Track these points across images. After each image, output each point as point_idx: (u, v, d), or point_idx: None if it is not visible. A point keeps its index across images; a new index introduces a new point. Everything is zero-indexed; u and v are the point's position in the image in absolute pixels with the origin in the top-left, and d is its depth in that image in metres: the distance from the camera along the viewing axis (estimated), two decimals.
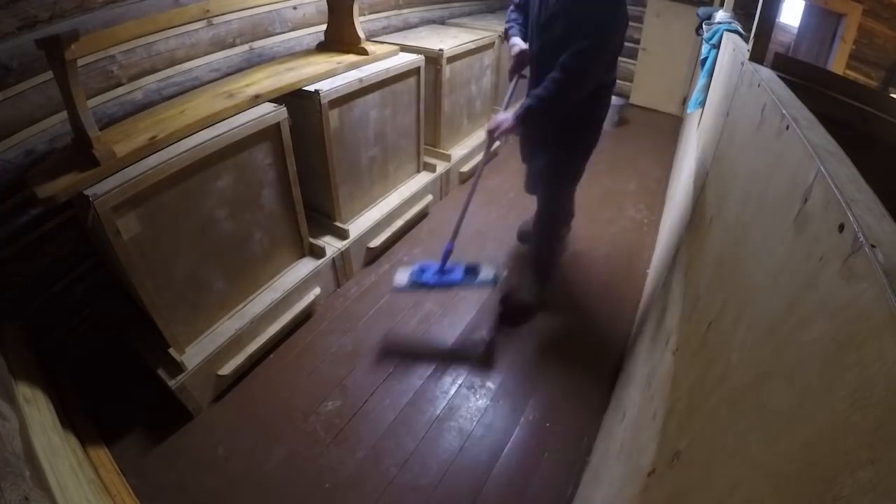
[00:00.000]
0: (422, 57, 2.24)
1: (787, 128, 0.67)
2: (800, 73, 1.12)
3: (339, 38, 2.10)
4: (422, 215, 2.56)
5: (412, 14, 3.04)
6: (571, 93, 1.44)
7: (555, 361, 1.78)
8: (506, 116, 1.54)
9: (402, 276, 1.72)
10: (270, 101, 1.65)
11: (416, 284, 1.70)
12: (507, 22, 1.73)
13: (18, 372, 1.25)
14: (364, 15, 2.58)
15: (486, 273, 1.70)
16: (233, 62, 1.96)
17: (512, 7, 1.74)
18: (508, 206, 2.73)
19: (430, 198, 2.57)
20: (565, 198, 1.89)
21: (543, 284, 1.96)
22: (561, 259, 1.99)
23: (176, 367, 1.47)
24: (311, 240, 1.97)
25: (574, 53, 1.38)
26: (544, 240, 1.92)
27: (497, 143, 1.72)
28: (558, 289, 2.05)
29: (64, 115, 1.35)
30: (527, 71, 1.70)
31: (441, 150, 2.74)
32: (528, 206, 2.70)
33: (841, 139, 0.59)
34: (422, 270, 1.72)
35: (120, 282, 1.64)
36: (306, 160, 1.86)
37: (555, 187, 1.80)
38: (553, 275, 1.99)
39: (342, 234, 2.08)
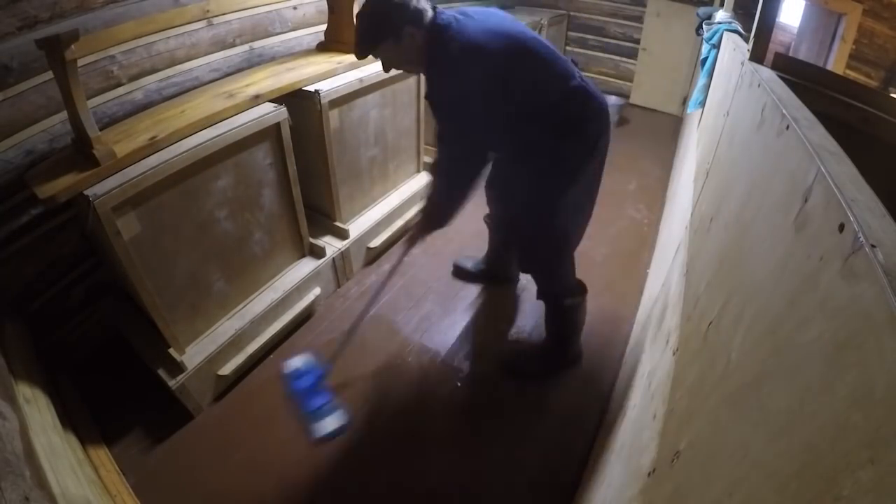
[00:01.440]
0: None
1: (787, 128, 0.67)
2: (800, 73, 1.12)
3: (339, 38, 2.10)
4: None
5: None
6: (455, 184, 1.34)
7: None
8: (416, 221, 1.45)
9: (290, 364, 1.50)
10: (270, 101, 1.65)
11: (287, 385, 1.46)
12: None
13: (18, 372, 1.24)
14: None
15: (329, 423, 1.34)
16: (233, 62, 1.96)
17: None
18: None
19: None
20: (559, 269, 1.54)
21: (555, 359, 1.71)
22: (581, 332, 1.71)
23: (176, 367, 1.47)
24: (311, 240, 1.97)
25: (438, 148, 1.36)
26: (554, 316, 1.65)
27: (412, 248, 1.50)
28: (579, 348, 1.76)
29: (64, 115, 1.35)
30: None
31: None
32: None
33: (841, 139, 0.59)
34: (299, 375, 1.46)
35: (120, 282, 1.64)
36: (306, 160, 1.86)
37: (538, 260, 1.54)
38: (570, 352, 1.71)
39: (342, 234, 2.08)
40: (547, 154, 1.31)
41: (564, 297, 1.57)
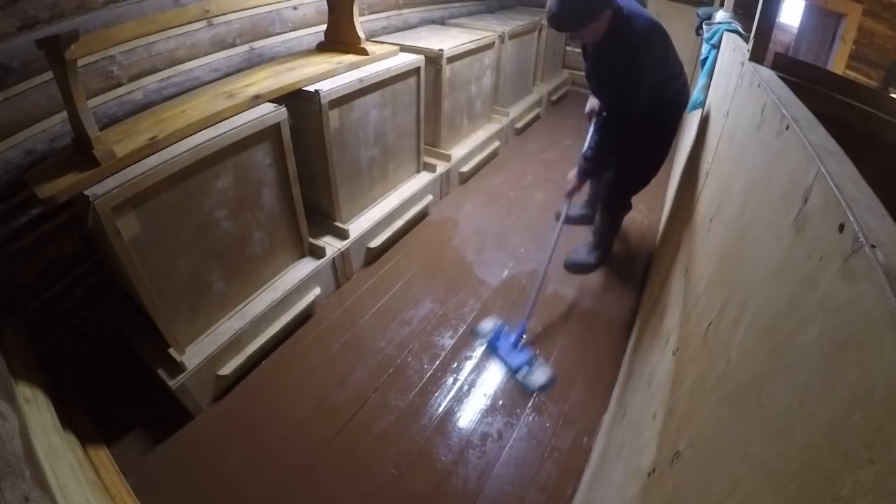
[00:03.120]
0: (422, 57, 2.24)
1: (787, 128, 0.67)
2: (800, 73, 1.12)
3: (340, 38, 2.10)
4: (422, 215, 2.56)
5: (412, 14, 3.04)
6: (614, 144, 1.71)
7: (555, 361, 1.78)
8: (572, 175, 1.85)
9: (484, 327, 1.89)
10: (271, 101, 1.65)
11: (489, 347, 1.83)
12: None
13: (18, 372, 1.24)
14: (364, 15, 2.58)
15: (538, 377, 1.68)
16: (233, 62, 1.96)
17: None
18: (508, 206, 2.73)
19: (430, 198, 2.57)
20: (633, 193, 2.08)
21: (602, 254, 2.24)
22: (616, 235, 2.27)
23: (176, 367, 1.47)
24: (311, 240, 1.97)
25: (607, 119, 1.71)
26: (606, 222, 2.17)
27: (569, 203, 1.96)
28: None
29: (64, 115, 1.35)
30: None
31: (441, 150, 2.74)
32: (529, 206, 2.71)
33: (841, 139, 0.59)
34: (498, 337, 1.84)
35: (120, 282, 1.64)
36: (306, 160, 1.86)
37: (619, 190, 2.03)
38: (611, 246, 2.28)
39: (342, 234, 2.08)
40: (661, 116, 1.74)
41: (626, 211, 2.11)
